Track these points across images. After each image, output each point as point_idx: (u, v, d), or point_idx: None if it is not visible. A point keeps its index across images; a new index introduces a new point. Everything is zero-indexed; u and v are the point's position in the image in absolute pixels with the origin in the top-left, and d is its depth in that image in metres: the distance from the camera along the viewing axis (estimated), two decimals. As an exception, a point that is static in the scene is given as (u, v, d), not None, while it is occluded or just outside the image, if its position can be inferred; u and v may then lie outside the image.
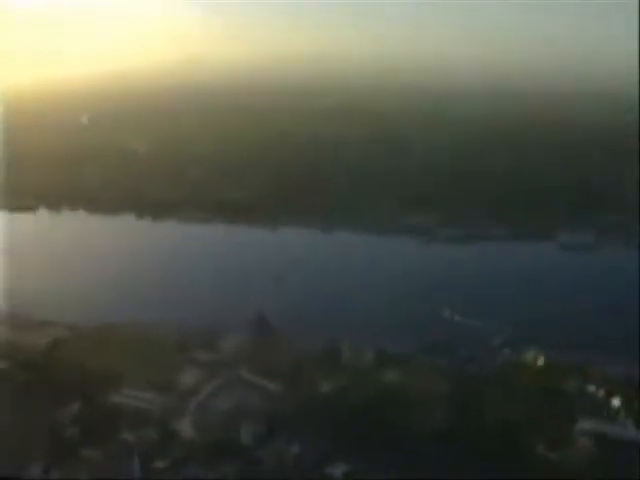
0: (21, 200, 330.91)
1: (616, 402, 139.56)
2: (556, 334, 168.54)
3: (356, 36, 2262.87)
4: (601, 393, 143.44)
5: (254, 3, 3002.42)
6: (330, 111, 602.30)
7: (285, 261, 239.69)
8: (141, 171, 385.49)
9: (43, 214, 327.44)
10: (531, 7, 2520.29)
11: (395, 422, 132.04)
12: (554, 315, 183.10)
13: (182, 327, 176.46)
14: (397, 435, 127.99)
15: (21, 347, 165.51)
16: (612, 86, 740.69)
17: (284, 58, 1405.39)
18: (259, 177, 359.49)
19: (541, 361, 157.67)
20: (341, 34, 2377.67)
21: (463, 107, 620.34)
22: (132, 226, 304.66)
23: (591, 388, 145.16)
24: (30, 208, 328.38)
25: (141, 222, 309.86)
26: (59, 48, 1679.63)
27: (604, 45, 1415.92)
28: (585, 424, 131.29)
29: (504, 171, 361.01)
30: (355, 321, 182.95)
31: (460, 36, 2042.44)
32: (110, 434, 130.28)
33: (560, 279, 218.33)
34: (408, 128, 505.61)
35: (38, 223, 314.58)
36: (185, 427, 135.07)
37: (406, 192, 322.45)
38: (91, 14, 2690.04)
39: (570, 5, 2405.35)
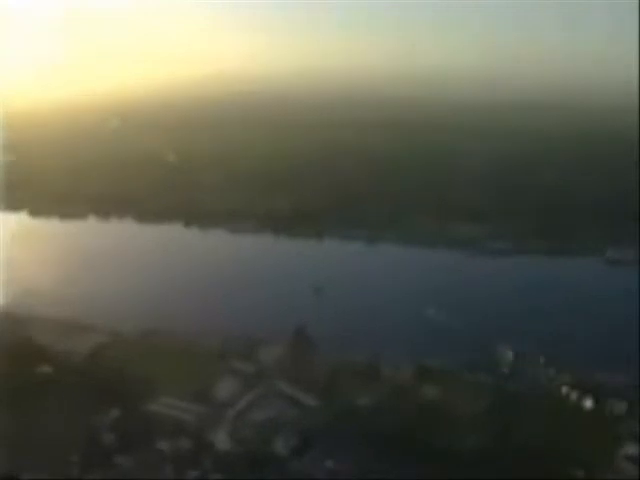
0: (71, 207, 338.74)
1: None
2: (602, 353, 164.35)
3: (407, 49, 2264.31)
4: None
5: (298, 16, 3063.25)
6: (377, 123, 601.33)
7: (329, 273, 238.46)
8: (187, 181, 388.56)
9: (92, 221, 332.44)
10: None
11: (431, 439, 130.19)
12: (600, 333, 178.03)
13: (222, 337, 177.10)
14: (433, 452, 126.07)
15: (65, 352, 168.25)
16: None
17: (329, 70, 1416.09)
18: (304, 189, 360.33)
19: (586, 382, 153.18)
20: (391, 46, 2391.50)
21: (512, 120, 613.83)
22: (177, 235, 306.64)
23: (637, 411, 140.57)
24: (80, 215, 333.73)
25: (187, 231, 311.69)
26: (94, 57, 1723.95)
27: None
28: (630, 449, 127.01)
29: (553, 184, 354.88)
30: (396, 335, 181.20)
31: (510, 48, 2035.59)
32: (146, 442, 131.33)
33: (607, 295, 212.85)
34: (456, 140, 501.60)
35: (87, 230, 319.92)
36: (220, 438, 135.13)
37: (453, 204, 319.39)
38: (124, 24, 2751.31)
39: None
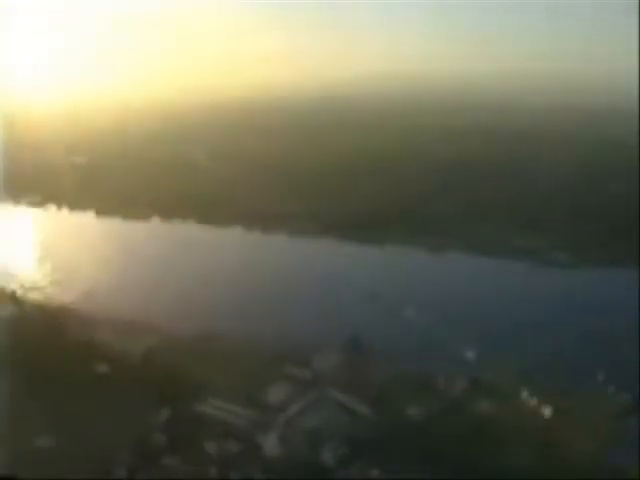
0: (135, 209, 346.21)
1: None
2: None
3: (496, 53, 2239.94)
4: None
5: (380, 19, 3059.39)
6: (445, 128, 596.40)
7: (389, 281, 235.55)
8: (249, 185, 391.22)
9: (156, 223, 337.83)
10: None
11: (482, 453, 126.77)
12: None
13: (277, 342, 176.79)
14: (484, 467, 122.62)
15: (120, 351, 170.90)
16: None
17: (397, 75, 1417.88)
18: (368, 193, 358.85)
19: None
20: (480, 50, 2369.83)
21: (592, 127, 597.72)
22: (237, 238, 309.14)
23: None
24: (144, 217, 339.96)
25: (247, 235, 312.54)
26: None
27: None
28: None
29: (620, 195, 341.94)
30: (452, 347, 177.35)
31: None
32: (194, 444, 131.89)
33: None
34: (522, 147, 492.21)
35: (149, 232, 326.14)
36: (269, 442, 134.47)
37: (518, 213, 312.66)
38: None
39: None
